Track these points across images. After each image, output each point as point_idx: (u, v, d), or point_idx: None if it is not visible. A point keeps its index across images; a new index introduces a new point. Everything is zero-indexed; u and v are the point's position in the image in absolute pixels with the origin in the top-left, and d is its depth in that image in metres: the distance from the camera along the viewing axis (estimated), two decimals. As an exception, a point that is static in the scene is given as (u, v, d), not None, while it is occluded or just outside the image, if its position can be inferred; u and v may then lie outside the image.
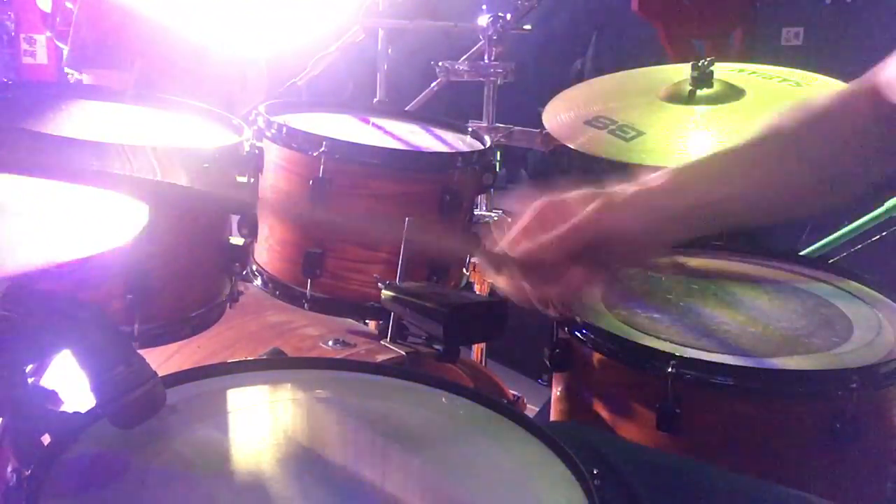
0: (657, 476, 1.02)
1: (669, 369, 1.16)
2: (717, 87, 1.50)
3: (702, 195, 0.96)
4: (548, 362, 1.42)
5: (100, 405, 0.75)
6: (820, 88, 1.51)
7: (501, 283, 0.98)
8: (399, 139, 1.56)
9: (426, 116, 1.74)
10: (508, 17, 2.00)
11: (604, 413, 1.30)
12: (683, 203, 0.96)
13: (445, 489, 0.85)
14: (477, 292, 1.84)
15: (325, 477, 0.83)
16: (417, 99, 2.26)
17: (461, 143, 1.60)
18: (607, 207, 0.94)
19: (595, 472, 0.84)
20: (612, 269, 1.01)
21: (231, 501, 0.79)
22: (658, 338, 1.26)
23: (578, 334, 1.32)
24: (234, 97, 2.57)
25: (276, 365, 1.10)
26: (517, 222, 0.99)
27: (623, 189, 0.97)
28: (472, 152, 1.50)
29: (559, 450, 0.90)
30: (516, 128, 2.03)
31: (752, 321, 1.33)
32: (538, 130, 1.93)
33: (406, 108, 2.05)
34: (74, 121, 1.26)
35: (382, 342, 1.40)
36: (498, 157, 1.55)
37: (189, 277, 1.21)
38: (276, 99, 1.71)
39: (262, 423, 0.94)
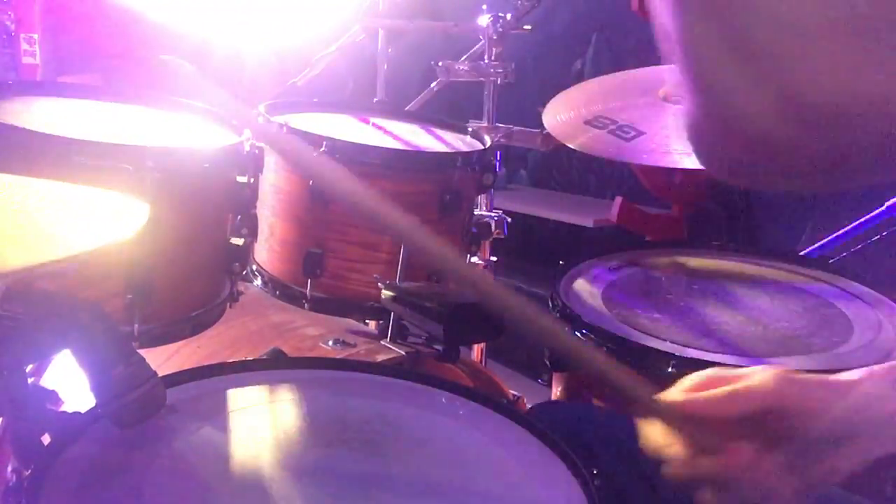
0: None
1: (669, 369, 1.16)
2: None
3: None
4: (548, 362, 1.42)
5: (100, 405, 0.75)
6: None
7: (658, 436, 0.80)
8: (399, 139, 1.56)
9: (426, 116, 1.74)
10: (508, 17, 2.00)
11: (604, 413, 1.30)
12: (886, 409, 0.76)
13: (445, 489, 0.85)
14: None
15: (325, 477, 0.83)
16: (418, 99, 2.26)
17: (461, 143, 1.60)
18: (790, 382, 0.78)
19: (595, 472, 0.84)
20: (788, 459, 0.74)
21: (231, 501, 0.79)
22: (658, 338, 1.26)
23: (578, 334, 1.32)
24: (238, 95, 2.60)
25: (276, 365, 1.10)
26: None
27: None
28: (472, 152, 1.50)
29: (559, 450, 0.90)
30: (516, 128, 2.03)
31: (752, 321, 1.34)
32: (538, 130, 1.93)
33: (406, 108, 2.05)
34: (75, 121, 1.26)
35: (382, 342, 1.40)
36: (498, 157, 1.55)
37: (189, 277, 1.21)
38: (276, 99, 1.71)
39: (262, 423, 0.94)
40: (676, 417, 0.78)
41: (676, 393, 0.80)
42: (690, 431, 0.78)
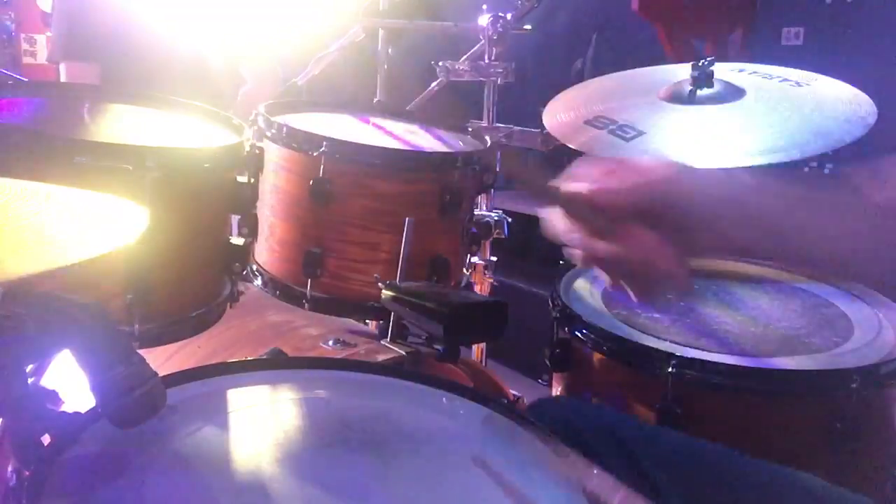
0: (669, 454, 1.02)
1: (669, 369, 1.17)
2: (717, 87, 1.50)
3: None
4: (548, 362, 1.42)
5: (100, 405, 0.75)
6: (820, 88, 1.51)
7: (558, 222, 0.91)
8: (399, 139, 1.56)
9: (426, 116, 1.74)
10: (508, 17, 2.00)
11: (604, 413, 1.30)
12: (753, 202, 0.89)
13: (445, 489, 0.85)
14: (477, 292, 1.84)
15: (325, 477, 0.83)
16: (418, 99, 2.26)
17: (461, 143, 1.60)
18: (684, 172, 0.91)
19: (595, 471, 0.84)
20: (678, 244, 0.89)
21: (231, 501, 0.79)
22: (658, 338, 1.26)
23: (578, 334, 1.32)
24: (228, 95, 2.62)
25: (276, 365, 1.10)
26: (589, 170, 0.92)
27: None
28: (472, 152, 1.50)
29: (560, 450, 0.90)
30: (516, 128, 2.03)
31: (752, 321, 1.34)
32: (538, 130, 1.93)
33: (406, 108, 2.05)
34: (74, 121, 1.26)
35: (382, 342, 1.40)
36: (498, 157, 1.55)
37: (189, 277, 1.21)
38: (276, 99, 1.71)
39: (262, 423, 0.94)
40: (580, 206, 0.89)
41: (574, 182, 0.91)
42: (589, 218, 0.89)
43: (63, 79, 2.48)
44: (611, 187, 0.88)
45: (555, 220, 0.92)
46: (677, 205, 0.88)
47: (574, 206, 0.90)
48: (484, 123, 2.00)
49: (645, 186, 0.88)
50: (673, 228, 0.88)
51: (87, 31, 2.42)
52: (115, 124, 1.30)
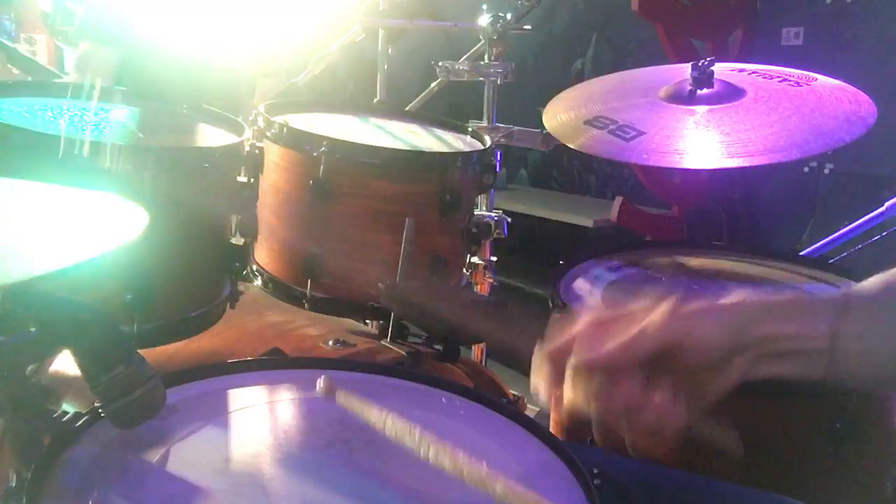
0: (654, 488, 1.02)
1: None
2: (717, 87, 1.50)
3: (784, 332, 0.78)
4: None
5: (100, 405, 0.75)
6: (820, 88, 1.51)
7: (542, 386, 0.82)
8: (399, 139, 1.56)
9: (426, 116, 1.74)
10: (508, 17, 2.00)
11: (604, 413, 1.30)
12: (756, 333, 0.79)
13: (445, 489, 0.85)
14: (477, 292, 1.84)
15: (325, 477, 0.83)
16: (418, 99, 2.26)
17: (461, 143, 1.60)
18: (682, 317, 0.80)
19: (595, 471, 0.84)
20: (674, 387, 0.78)
21: (231, 501, 0.79)
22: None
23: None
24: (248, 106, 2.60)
25: (276, 365, 1.10)
26: (575, 328, 0.82)
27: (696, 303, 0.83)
28: (472, 152, 1.50)
29: (559, 450, 0.90)
30: (516, 128, 2.03)
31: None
32: (538, 130, 1.93)
33: (406, 108, 2.05)
34: (75, 121, 1.26)
35: (382, 342, 1.40)
36: (498, 157, 1.55)
37: (189, 277, 1.21)
38: (276, 99, 1.71)
39: (262, 423, 0.94)
40: (580, 373, 0.78)
41: (565, 346, 0.80)
42: (582, 380, 0.78)
43: (72, 60, 2.42)
44: (612, 349, 0.78)
45: (542, 386, 0.82)
46: (679, 350, 0.78)
47: (577, 373, 0.79)
48: (484, 123, 2.00)
49: (644, 339, 0.78)
50: (674, 376, 0.78)
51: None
52: (116, 124, 1.30)
